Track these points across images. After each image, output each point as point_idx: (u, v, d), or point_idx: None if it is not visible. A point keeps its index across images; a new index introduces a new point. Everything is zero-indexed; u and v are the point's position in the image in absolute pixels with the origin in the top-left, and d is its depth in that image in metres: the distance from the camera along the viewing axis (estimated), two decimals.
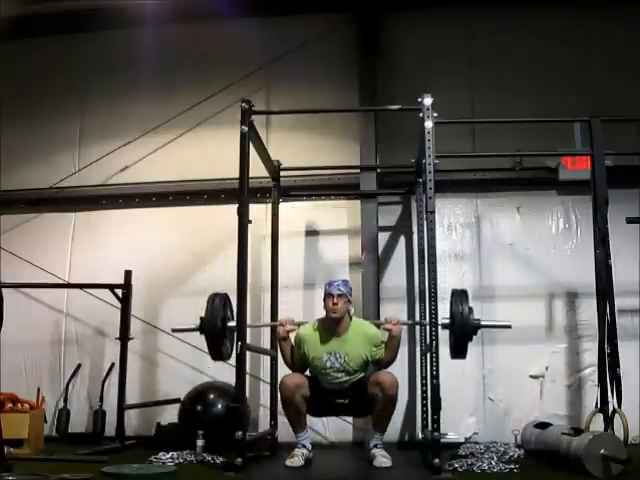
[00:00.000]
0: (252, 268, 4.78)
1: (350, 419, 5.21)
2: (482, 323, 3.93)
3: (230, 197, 5.13)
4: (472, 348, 5.16)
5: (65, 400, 5.47)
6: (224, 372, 4.90)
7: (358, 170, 5.52)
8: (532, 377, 5.24)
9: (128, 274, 5.19)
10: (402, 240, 5.59)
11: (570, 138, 5.27)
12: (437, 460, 3.71)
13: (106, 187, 5.91)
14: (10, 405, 4.89)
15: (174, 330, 4.42)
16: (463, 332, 3.89)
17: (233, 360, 4.03)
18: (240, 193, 4.10)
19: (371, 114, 5.54)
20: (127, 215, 5.89)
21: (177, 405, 5.02)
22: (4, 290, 3.95)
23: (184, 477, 3.78)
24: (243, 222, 4.08)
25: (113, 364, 5.41)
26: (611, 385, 4.34)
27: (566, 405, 5.19)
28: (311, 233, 5.66)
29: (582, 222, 5.38)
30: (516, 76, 5.59)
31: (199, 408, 4.86)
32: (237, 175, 4.11)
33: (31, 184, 5.96)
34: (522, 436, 4.72)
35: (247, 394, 4.44)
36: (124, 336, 5.13)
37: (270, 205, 5.31)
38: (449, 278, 5.22)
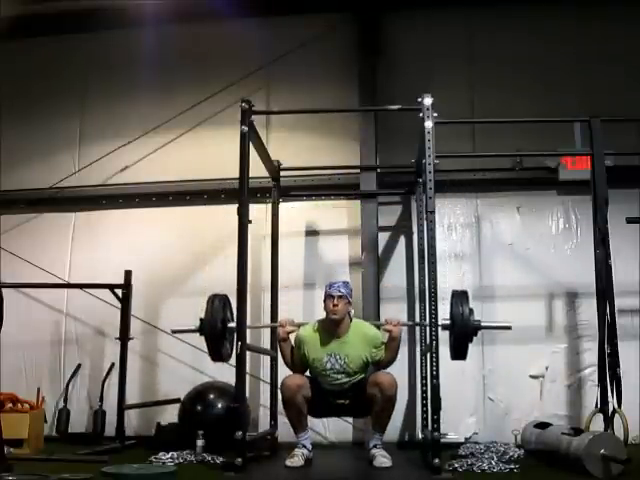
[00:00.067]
0: (252, 268, 4.78)
1: (350, 419, 5.21)
2: (482, 324, 3.93)
3: (230, 197, 5.13)
4: (472, 348, 5.15)
5: (65, 400, 5.47)
6: (224, 372, 4.89)
7: (358, 170, 5.52)
8: (532, 377, 5.25)
9: (128, 274, 5.20)
10: (402, 240, 5.59)
11: (570, 138, 5.27)
12: (437, 460, 3.71)
13: (106, 187, 5.91)
14: (10, 405, 4.89)
15: (174, 331, 4.43)
16: (463, 333, 3.88)
17: (233, 360, 4.03)
18: (240, 193, 4.10)
19: (371, 114, 5.54)
20: (127, 215, 5.89)
21: (177, 405, 5.02)
22: (4, 290, 3.95)
23: (184, 477, 3.78)
24: (243, 222, 4.08)
25: (113, 364, 5.42)
26: (611, 385, 4.34)
27: (566, 405, 5.19)
28: (311, 233, 5.66)
29: (582, 222, 5.38)
30: (516, 76, 5.59)
31: (199, 408, 4.86)
32: (237, 175, 4.11)
33: (31, 184, 5.96)
34: (522, 436, 4.72)
35: (247, 394, 4.44)
36: (124, 336, 5.14)
37: (270, 205, 5.31)
38: (449, 278, 5.23)
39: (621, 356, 4.37)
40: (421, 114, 4.13)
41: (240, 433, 3.83)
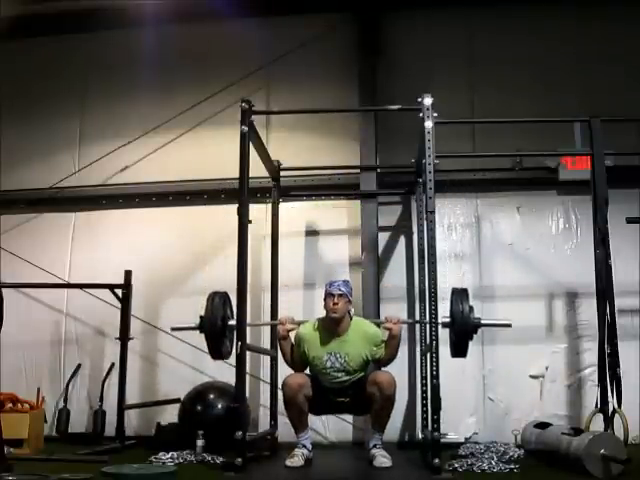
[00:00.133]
0: (252, 268, 4.78)
1: (350, 419, 5.22)
2: (482, 322, 3.93)
3: (230, 197, 5.13)
4: (472, 348, 5.17)
5: (65, 400, 5.47)
6: (224, 372, 4.90)
7: (358, 170, 5.52)
8: (532, 377, 5.24)
9: (128, 274, 5.20)
10: (402, 240, 5.59)
11: (570, 138, 5.27)
12: (437, 460, 3.71)
13: (106, 187, 5.91)
14: (10, 405, 4.89)
15: (173, 329, 4.42)
16: (463, 331, 3.88)
17: (233, 360, 4.03)
18: (240, 193, 4.10)
19: (371, 114, 5.54)
20: (127, 215, 5.89)
21: (177, 405, 5.02)
22: (4, 290, 3.95)
23: (184, 477, 3.78)
24: (243, 222, 4.08)
25: (113, 364, 5.42)
26: (611, 385, 4.34)
27: (566, 405, 5.19)
28: (311, 233, 5.66)
29: (582, 222, 5.38)
30: (516, 76, 5.59)
31: (199, 408, 4.86)
32: (237, 175, 4.11)
33: (31, 184, 5.96)
34: (522, 436, 4.72)
35: (247, 394, 4.44)
36: (124, 336, 5.14)
37: (270, 205, 5.31)
38: (449, 278, 5.22)
39: (621, 356, 4.37)
40: (421, 114, 4.13)
41: (240, 433, 3.83)
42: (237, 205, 4.09)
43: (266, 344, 5.16)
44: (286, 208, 5.43)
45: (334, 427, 5.29)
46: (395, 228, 5.60)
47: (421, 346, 4.93)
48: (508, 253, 5.45)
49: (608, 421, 4.31)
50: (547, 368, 5.25)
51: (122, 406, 5.04)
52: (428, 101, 4.13)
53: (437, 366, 3.87)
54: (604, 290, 4.41)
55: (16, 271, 5.64)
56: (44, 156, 6.05)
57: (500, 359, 5.27)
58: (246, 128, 4.14)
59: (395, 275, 5.50)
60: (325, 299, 4.14)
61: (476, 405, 5.27)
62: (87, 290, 5.49)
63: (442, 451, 3.79)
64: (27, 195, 5.95)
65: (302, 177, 5.50)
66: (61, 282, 5.65)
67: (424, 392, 4.73)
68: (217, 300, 4.07)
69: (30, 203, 5.95)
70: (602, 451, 3.65)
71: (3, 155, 6.01)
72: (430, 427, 3.87)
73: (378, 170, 5.53)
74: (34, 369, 5.71)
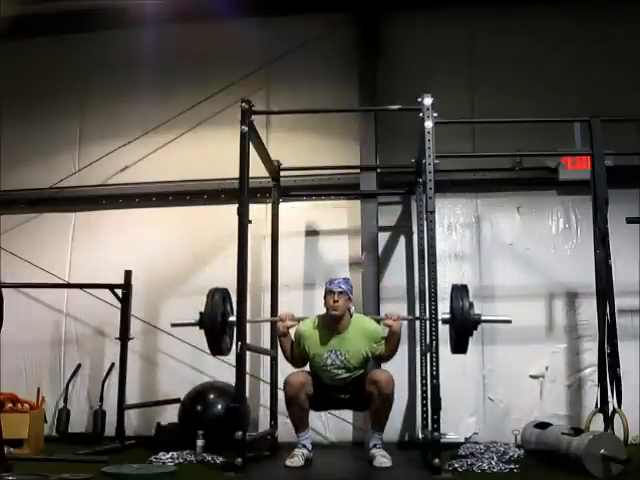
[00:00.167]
0: (252, 268, 4.78)
1: (350, 419, 5.23)
2: (483, 318, 3.93)
3: (230, 197, 5.13)
4: (472, 348, 5.18)
5: (65, 400, 5.47)
6: (224, 372, 4.90)
7: (358, 170, 5.52)
8: (532, 377, 5.25)
9: (128, 274, 5.20)
10: (402, 240, 5.59)
11: (570, 138, 5.27)
12: (437, 460, 3.71)
13: (106, 187, 5.91)
14: (10, 405, 4.89)
15: (173, 325, 4.41)
16: (463, 327, 3.89)
17: (233, 360, 4.03)
18: (240, 193, 4.10)
19: (371, 114, 5.54)
20: (127, 215, 5.89)
21: (177, 405, 5.02)
22: (4, 290, 3.95)
23: (184, 477, 3.78)
24: (243, 222, 4.08)
25: (113, 364, 5.42)
26: (611, 385, 4.34)
27: (566, 405, 5.20)
28: (311, 233, 5.66)
29: (582, 222, 5.38)
30: (516, 76, 5.59)
31: (199, 408, 4.86)
32: (237, 175, 4.11)
33: (31, 184, 5.96)
34: (522, 436, 4.72)
35: (247, 394, 4.44)
36: (124, 336, 5.14)
37: (270, 205, 5.31)
38: (449, 278, 5.20)
39: (621, 356, 4.37)
40: (421, 114, 4.13)
41: (240, 433, 3.83)
42: (237, 205, 4.09)
43: (266, 344, 5.16)
44: (286, 208, 5.43)
45: (334, 427, 5.29)
46: (395, 228, 5.60)
47: (421, 346, 4.93)
48: (508, 253, 5.45)
49: (608, 421, 4.31)
50: (547, 368, 5.25)
51: (122, 406, 5.04)
52: (428, 101, 4.13)
53: (437, 366, 3.87)
54: (604, 290, 4.41)
55: (16, 271, 5.64)
56: (44, 156, 6.05)
57: (500, 359, 5.27)
58: (246, 128, 4.14)
59: (395, 275, 5.51)
60: (325, 297, 4.14)
61: (476, 405, 5.27)
62: (87, 290, 5.49)
63: (442, 451, 3.79)
64: (27, 195, 5.96)
65: (302, 177, 5.50)
66: (61, 282, 5.65)
67: (424, 392, 4.73)
68: (217, 296, 4.07)
69: (30, 203, 5.95)
70: (602, 451, 3.65)
71: (3, 155, 6.01)
72: (430, 427, 3.87)
73: (378, 170, 5.53)
74: (34, 369, 5.72)
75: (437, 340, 3.89)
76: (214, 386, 5.05)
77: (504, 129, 5.32)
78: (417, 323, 5.13)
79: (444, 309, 4.03)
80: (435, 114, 4.11)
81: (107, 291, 5.21)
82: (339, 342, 4.11)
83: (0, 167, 6.03)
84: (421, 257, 5.04)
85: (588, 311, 4.97)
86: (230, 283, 4.11)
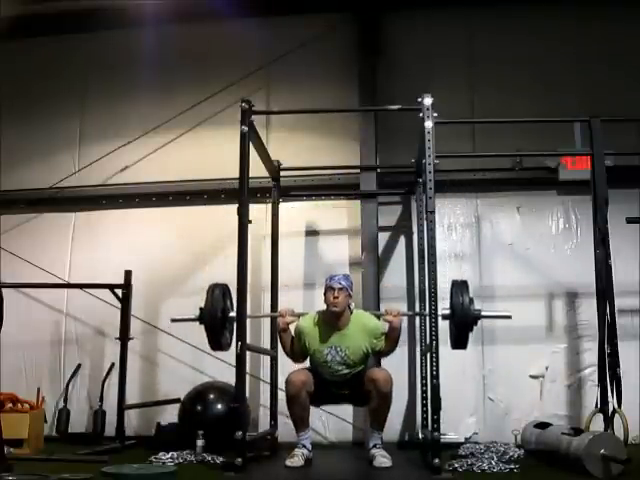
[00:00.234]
0: (252, 268, 4.78)
1: (350, 419, 5.23)
2: (483, 313, 3.94)
3: (230, 197, 5.13)
4: (472, 348, 5.20)
5: (65, 400, 5.47)
6: (224, 372, 4.90)
7: (358, 170, 5.52)
8: (532, 377, 5.25)
9: (128, 274, 5.20)
10: (402, 240, 5.59)
11: (570, 138, 5.27)
12: (437, 460, 3.71)
13: (106, 187, 5.91)
14: (10, 405, 4.89)
15: (173, 320, 4.40)
16: (464, 322, 3.89)
17: (233, 360, 4.03)
18: (240, 193, 4.10)
19: (371, 114, 5.54)
20: (127, 215, 5.89)
21: (177, 405, 5.02)
22: (4, 290, 3.95)
23: (184, 477, 3.78)
24: (243, 222, 4.08)
25: (113, 364, 5.42)
26: (611, 385, 4.34)
27: (566, 405, 5.20)
28: (311, 233, 5.66)
29: (582, 222, 5.38)
30: (516, 76, 5.59)
31: (199, 408, 4.86)
32: (237, 175, 4.11)
33: (31, 184, 5.96)
34: (522, 436, 4.72)
35: (247, 394, 4.44)
36: (124, 336, 5.14)
37: (270, 205, 5.31)
38: (449, 278, 5.19)
39: (621, 356, 4.37)
40: (421, 114, 4.13)
41: (240, 433, 3.83)
42: (237, 205, 4.09)
43: (266, 344, 5.16)
44: (286, 208, 5.43)
45: (334, 427, 5.29)
46: (395, 228, 5.60)
47: (421, 346, 4.93)
48: (508, 253, 5.45)
49: (608, 421, 4.31)
50: (547, 368, 5.25)
51: (122, 406, 5.04)
52: (428, 101, 4.13)
53: (437, 366, 3.87)
54: (604, 290, 4.41)
55: (16, 271, 5.64)
56: (44, 156, 6.06)
57: (500, 359, 5.27)
58: (246, 128, 4.14)
59: (395, 275, 5.51)
60: (325, 293, 4.13)
61: (476, 405, 5.27)
62: (87, 290, 5.49)
63: (442, 451, 3.79)
64: (27, 195, 5.96)
65: (302, 177, 5.50)
66: (61, 282, 5.65)
67: (424, 392, 4.73)
68: (217, 292, 4.08)
69: (30, 203, 5.95)
70: (602, 451, 3.65)
71: (3, 155, 6.01)
72: (430, 427, 3.87)
73: (378, 170, 5.53)
74: (34, 369, 5.72)
75: (437, 340, 3.89)
76: (214, 386, 5.05)
77: (504, 129, 5.32)
78: (417, 324, 5.14)
79: (444, 306, 4.02)
80: (435, 114, 4.11)
81: (107, 291, 5.22)
82: (339, 338, 4.11)
83: (0, 167, 6.03)
84: (421, 257, 5.04)
85: (588, 311, 4.97)
86: (230, 283, 4.12)
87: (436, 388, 3.86)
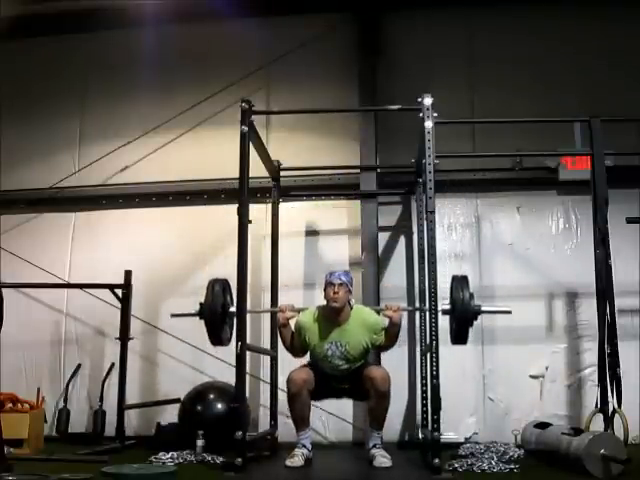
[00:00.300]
0: (252, 268, 4.78)
1: (350, 419, 5.23)
2: (483, 308, 3.94)
3: (230, 197, 5.13)
4: (472, 348, 5.22)
5: (65, 400, 5.47)
6: (224, 372, 4.91)
7: (358, 170, 5.52)
8: (532, 377, 5.25)
9: (128, 274, 5.20)
10: (402, 240, 5.59)
11: (570, 138, 5.27)
12: (437, 460, 3.71)
13: (106, 187, 5.91)
14: (10, 405, 4.89)
15: (173, 315, 4.42)
16: (464, 318, 3.90)
17: (233, 360, 4.03)
18: (240, 193, 4.10)
19: (371, 114, 5.54)
20: (127, 215, 5.89)
21: (177, 405, 5.02)
22: (4, 290, 3.95)
23: (184, 477, 3.78)
24: (243, 222, 4.08)
25: (113, 364, 5.42)
26: (611, 385, 4.34)
27: (566, 405, 5.20)
28: (311, 233, 5.66)
29: (582, 222, 5.38)
30: (516, 76, 5.59)
31: (199, 408, 4.86)
32: (237, 175, 4.11)
33: (31, 184, 5.96)
34: (522, 436, 4.72)
35: (247, 394, 4.44)
36: (124, 336, 5.14)
37: (270, 205, 5.31)
38: (449, 278, 5.21)
39: (621, 356, 4.37)
40: (421, 114, 4.13)
41: (240, 433, 3.83)
42: (237, 205, 4.09)
43: (266, 344, 5.16)
44: (286, 208, 5.43)
45: (334, 427, 5.30)
46: (395, 228, 5.60)
47: (421, 346, 4.93)
48: (508, 253, 5.45)
49: (608, 421, 4.31)
50: (547, 368, 5.25)
51: (122, 406, 5.04)
52: (428, 101, 4.13)
53: (437, 366, 3.87)
54: (604, 290, 4.41)
55: (16, 271, 5.64)
56: (44, 156, 6.06)
57: (500, 359, 5.27)
58: (246, 128, 4.14)
59: (395, 275, 5.51)
60: (325, 289, 4.13)
61: (476, 405, 5.27)
62: (87, 290, 5.49)
63: (442, 451, 3.79)
64: (27, 195, 5.96)
65: (302, 177, 5.50)
66: (61, 282, 5.65)
67: (424, 392, 4.73)
68: (217, 287, 4.09)
69: (30, 203, 5.95)
70: (602, 451, 3.65)
71: (3, 155, 6.01)
72: (430, 427, 3.87)
73: (378, 170, 5.53)
74: (34, 369, 5.72)
75: (437, 340, 3.89)
76: (214, 386, 5.05)
77: (504, 129, 5.32)
78: (417, 323, 5.14)
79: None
80: (435, 114, 4.11)
81: (107, 291, 5.21)
82: (339, 334, 4.11)
83: (0, 167, 6.03)
84: (421, 257, 5.04)
85: (588, 311, 4.97)
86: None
87: (436, 388, 3.85)
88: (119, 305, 5.16)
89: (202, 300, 4.10)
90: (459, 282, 3.99)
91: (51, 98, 6.13)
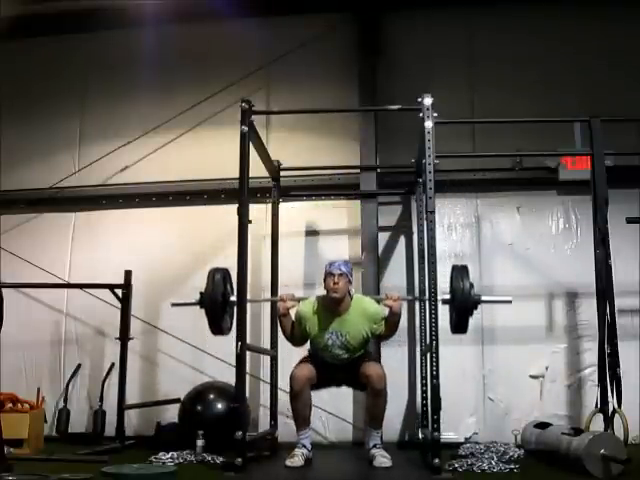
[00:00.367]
0: (252, 268, 4.78)
1: (350, 419, 5.23)
2: (483, 298, 3.96)
3: (230, 197, 5.13)
4: (472, 348, 5.22)
5: (65, 400, 5.47)
6: (224, 372, 4.91)
7: (358, 170, 5.52)
8: (532, 377, 5.24)
9: (128, 274, 5.20)
10: (402, 240, 5.59)
11: (570, 138, 5.27)
12: (437, 460, 3.71)
13: (106, 187, 5.91)
14: (10, 405, 4.89)
15: (174, 304, 4.41)
16: (464, 307, 3.91)
17: (233, 360, 4.03)
18: (240, 193, 4.10)
19: (371, 114, 5.54)
20: (127, 215, 5.89)
21: (177, 405, 5.02)
22: (4, 290, 3.95)
23: (184, 477, 3.78)
24: (243, 222, 4.08)
25: (113, 364, 5.42)
26: (611, 385, 4.34)
27: (566, 405, 5.19)
28: (311, 233, 5.66)
29: (582, 222, 5.38)
30: (516, 76, 5.59)
31: (199, 408, 4.86)
32: (237, 175, 4.11)
33: (31, 184, 5.96)
34: (522, 436, 4.72)
35: (247, 394, 4.44)
36: (124, 336, 5.14)
37: (270, 205, 5.31)
38: (449, 278, 5.22)
39: (621, 356, 4.37)
40: (421, 114, 4.13)
41: (240, 433, 3.83)
42: (237, 205, 4.09)
43: (266, 344, 5.16)
44: (286, 208, 5.43)
45: (334, 427, 5.30)
46: (395, 228, 5.60)
47: (421, 346, 4.93)
48: (508, 253, 5.45)
49: (608, 421, 4.31)
50: (547, 368, 5.25)
51: (122, 406, 5.04)
52: (428, 101, 4.13)
53: (437, 366, 3.87)
54: (604, 290, 4.42)
55: (16, 271, 5.64)
56: (44, 156, 6.06)
57: (500, 359, 5.27)
58: (246, 128, 4.14)
59: (395, 275, 5.50)
60: (325, 279, 4.14)
61: (476, 405, 5.27)
62: (87, 290, 5.49)
63: (442, 451, 3.79)
64: (27, 195, 5.96)
65: (302, 177, 5.50)
66: (61, 282, 5.65)
67: (424, 392, 4.73)
68: (217, 276, 4.09)
69: (30, 203, 5.95)
70: (602, 451, 3.65)
71: (3, 155, 6.01)
72: (430, 427, 3.87)
73: (378, 170, 5.53)
74: (34, 369, 5.72)
75: (437, 340, 3.89)
76: (214, 386, 5.05)
77: (504, 129, 5.31)
78: (417, 324, 5.14)
79: (444, 310, 4.02)
80: (435, 114, 4.11)
81: (107, 291, 5.22)
82: (339, 324, 4.11)
83: (0, 167, 6.03)
84: (421, 257, 5.04)
85: (588, 311, 4.97)
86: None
87: (436, 388, 3.86)
88: (119, 305, 5.16)
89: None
90: (459, 272, 4.00)
91: (51, 98, 6.13)
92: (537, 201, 5.51)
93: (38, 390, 5.23)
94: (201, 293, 4.08)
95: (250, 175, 4.14)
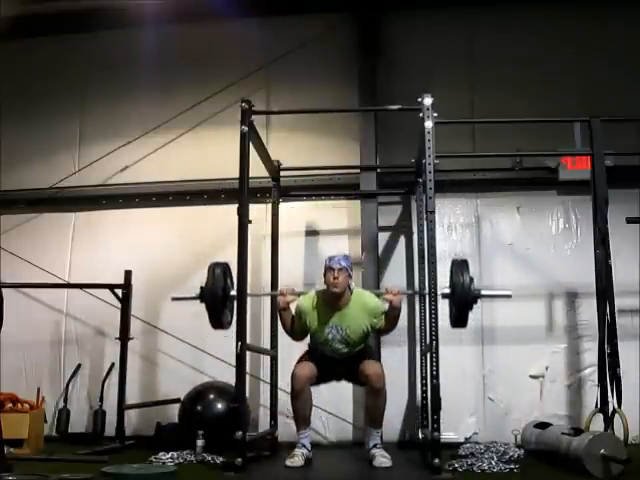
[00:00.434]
0: (252, 268, 4.78)
1: (350, 419, 5.23)
2: (482, 292, 3.96)
3: (230, 197, 5.13)
4: (472, 348, 5.22)
5: (65, 400, 5.48)
6: (224, 372, 4.91)
7: (358, 170, 5.52)
8: (532, 377, 5.25)
9: (128, 274, 5.20)
10: (402, 240, 5.59)
11: (570, 138, 5.27)
12: (437, 460, 3.71)
13: (106, 187, 5.91)
14: (10, 405, 4.89)
15: (174, 299, 4.42)
16: (463, 301, 3.91)
17: (233, 360, 4.03)
18: (240, 193, 4.10)
19: (371, 114, 5.54)
20: (127, 215, 5.89)
21: (177, 405, 5.02)
22: (4, 290, 3.95)
23: (184, 477, 3.78)
24: (243, 222, 4.08)
25: (113, 364, 5.42)
26: (611, 385, 4.34)
27: (566, 405, 5.19)
28: (311, 233, 5.66)
29: (582, 222, 5.38)
30: (516, 76, 5.59)
31: (199, 408, 4.86)
32: (237, 175, 4.11)
33: (31, 184, 5.96)
34: (522, 436, 4.72)
35: (247, 394, 4.44)
36: (124, 336, 5.14)
37: (270, 205, 5.31)
38: (449, 278, 5.21)
39: (621, 356, 4.37)
40: (421, 114, 4.13)
41: (240, 433, 3.83)
42: (237, 205, 4.09)
43: (266, 344, 5.16)
44: (286, 208, 5.43)
45: (334, 427, 5.30)
46: (395, 228, 5.60)
47: (421, 346, 4.93)
48: (508, 253, 5.45)
49: (608, 421, 4.31)
50: (547, 368, 5.25)
51: (122, 406, 5.04)
52: (428, 101, 4.13)
53: (437, 366, 3.87)
54: (604, 290, 4.42)
55: (16, 271, 5.63)
56: (44, 156, 6.06)
57: (500, 359, 5.27)
58: (246, 128, 4.14)
59: (395, 275, 5.50)
60: (325, 274, 4.14)
61: (476, 405, 5.27)
62: (87, 290, 5.49)
63: (442, 451, 3.79)
64: (27, 195, 5.96)
65: (302, 177, 5.50)
66: (61, 282, 5.65)
67: (424, 392, 4.73)
68: (218, 271, 4.10)
69: (30, 203, 5.95)
70: (602, 451, 3.65)
71: (3, 155, 6.01)
72: (430, 427, 3.87)
73: (378, 170, 5.53)
74: (34, 369, 5.72)
75: (437, 340, 3.89)
76: (214, 386, 5.05)
77: (504, 129, 5.31)
78: (417, 324, 5.14)
79: (443, 310, 4.02)
80: (435, 114, 4.11)
81: (107, 291, 5.22)
82: (340, 318, 4.12)
83: (0, 167, 6.03)
84: (421, 257, 5.04)
85: (588, 311, 4.97)
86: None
87: (436, 388, 3.86)
88: (119, 305, 5.16)
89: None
90: (459, 266, 4.00)
91: (51, 98, 6.13)
92: (537, 201, 5.51)
93: (38, 390, 5.23)
94: (201, 287, 4.09)
95: (250, 175, 4.14)
